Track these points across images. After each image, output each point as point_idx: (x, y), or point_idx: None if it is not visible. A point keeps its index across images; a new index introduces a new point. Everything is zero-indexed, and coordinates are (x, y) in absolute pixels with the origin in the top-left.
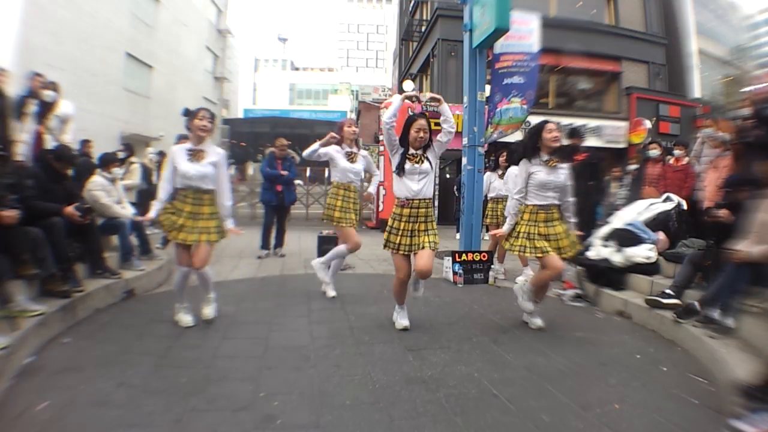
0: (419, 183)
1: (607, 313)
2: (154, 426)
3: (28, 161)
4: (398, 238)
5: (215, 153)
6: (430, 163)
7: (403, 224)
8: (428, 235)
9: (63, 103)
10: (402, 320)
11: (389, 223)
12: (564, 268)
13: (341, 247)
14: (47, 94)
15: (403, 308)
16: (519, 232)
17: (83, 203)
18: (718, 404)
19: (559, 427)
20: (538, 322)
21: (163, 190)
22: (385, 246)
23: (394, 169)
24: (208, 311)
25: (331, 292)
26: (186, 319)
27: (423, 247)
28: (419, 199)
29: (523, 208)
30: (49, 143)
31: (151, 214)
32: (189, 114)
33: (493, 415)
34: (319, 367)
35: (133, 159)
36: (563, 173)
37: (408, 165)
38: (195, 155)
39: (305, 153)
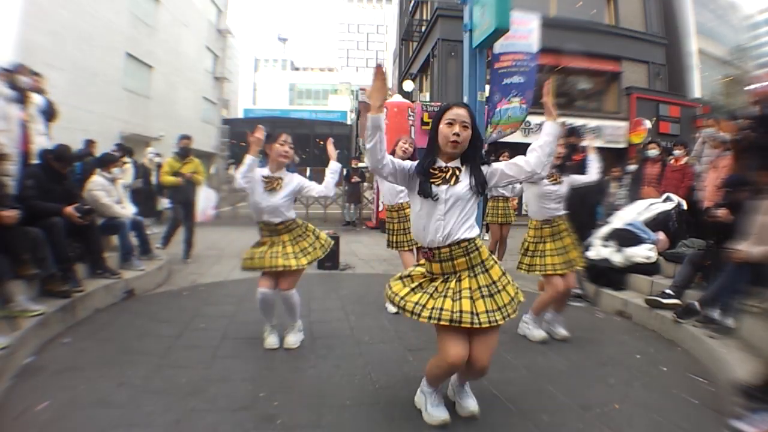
0: (446, 217)
1: (607, 313)
2: (154, 426)
3: (17, 153)
4: (435, 300)
5: (293, 180)
6: (474, 182)
7: (439, 285)
8: (492, 297)
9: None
10: (436, 410)
11: (418, 277)
12: (565, 290)
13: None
14: (23, 80)
15: (438, 391)
16: (527, 250)
17: (83, 203)
18: (718, 404)
19: (559, 427)
20: (562, 332)
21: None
22: (415, 315)
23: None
24: (292, 339)
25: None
26: (272, 340)
27: (484, 323)
28: (450, 245)
29: (529, 224)
30: (34, 135)
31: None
32: (269, 138)
33: (493, 415)
34: (319, 367)
35: (125, 159)
36: (565, 184)
37: (433, 187)
38: (270, 183)
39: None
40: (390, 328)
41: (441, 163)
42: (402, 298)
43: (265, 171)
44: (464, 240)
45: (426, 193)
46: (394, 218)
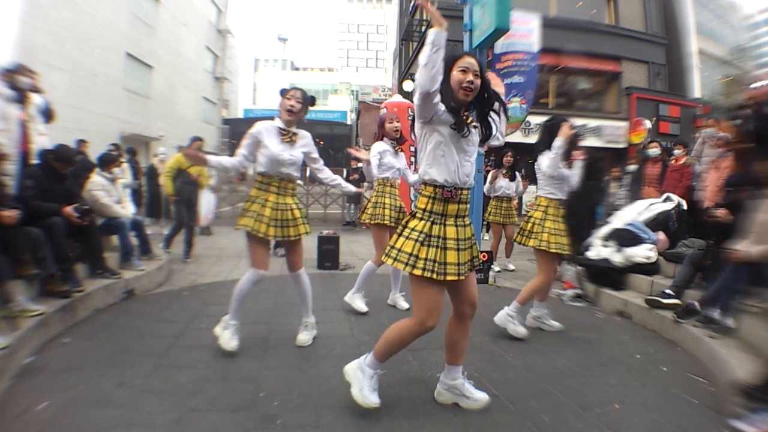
0: (470, 162)
1: (607, 313)
2: (154, 426)
3: (17, 153)
4: (440, 252)
5: (306, 137)
6: (483, 133)
7: (449, 229)
8: (474, 246)
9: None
10: (373, 395)
11: (414, 226)
12: (552, 277)
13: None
14: (23, 80)
15: (377, 374)
16: (545, 228)
17: (83, 203)
18: (718, 404)
19: (559, 427)
20: (555, 324)
21: (232, 161)
22: (409, 267)
23: (447, 130)
24: (305, 337)
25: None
26: (232, 343)
27: (471, 269)
28: (468, 189)
29: (547, 202)
30: (34, 134)
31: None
32: (282, 93)
33: (493, 415)
34: (319, 367)
35: (122, 158)
36: (576, 170)
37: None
38: (287, 137)
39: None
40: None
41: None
42: (417, 257)
43: (280, 123)
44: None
45: (462, 127)
46: (385, 193)
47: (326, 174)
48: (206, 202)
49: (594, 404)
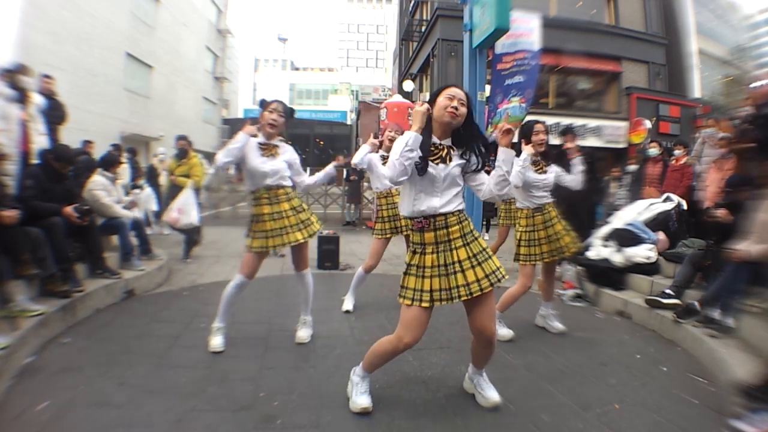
0: (441, 193)
1: (607, 313)
2: (154, 426)
3: (17, 153)
4: (418, 280)
5: (288, 150)
6: (471, 160)
7: (427, 258)
8: (480, 266)
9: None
10: (360, 398)
11: (407, 259)
12: (530, 285)
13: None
14: (23, 80)
15: (368, 378)
16: (520, 240)
17: (83, 203)
18: (718, 404)
19: (559, 427)
20: (558, 326)
21: (220, 158)
22: (401, 297)
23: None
24: (305, 334)
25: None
26: (218, 342)
27: (476, 292)
28: (446, 214)
29: (520, 213)
30: (34, 135)
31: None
32: (263, 105)
33: (493, 415)
34: (319, 367)
35: (122, 159)
36: (552, 173)
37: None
38: (268, 150)
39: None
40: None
41: (435, 140)
42: (402, 287)
43: (261, 138)
44: (457, 210)
45: (424, 172)
46: (383, 205)
47: (310, 180)
48: (180, 201)
49: (594, 404)
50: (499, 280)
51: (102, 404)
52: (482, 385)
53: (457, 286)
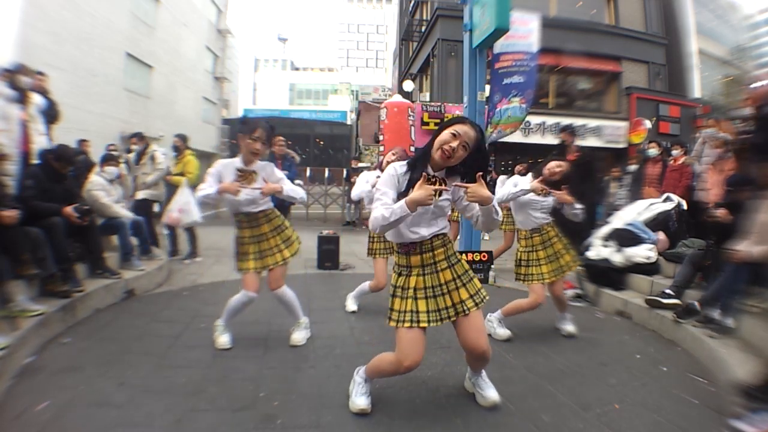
0: (432, 225)
1: (607, 313)
2: (154, 426)
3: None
4: (410, 302)
5: (265, 170)
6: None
7: (412, 279)
8: (465, 287)
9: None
10: (359, 399)
11: (392, 281)
12: (543, 302)
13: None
14: (23, 80)
15: (369, 382)
16: (519, 260)
17: (83, 203)
18: (718, 404)
19: (559, 427)
20: (569, 328)
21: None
22: (389, 319)
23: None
24: (299, 336)
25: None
26: (225, 340)
27: (465, 311)
28: (431, 237)
29: (519, 235)
30: (34, 135)
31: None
32: (244, 127)
33: (493, 415)
34: (319, 367)
35: (120, 159)
36: (552, 197)
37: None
38: (245, 177)
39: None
40: (390, 328)
41: (429, 171)
42: (408, 312)
43: (239, 164)
44: (441, 233)
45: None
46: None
47: (289, 188)
48: (179, 201)
49: (594, 404)
50: (482, 301)
51: (102, 404)
52: (481, 384)
53: (446, 307)
